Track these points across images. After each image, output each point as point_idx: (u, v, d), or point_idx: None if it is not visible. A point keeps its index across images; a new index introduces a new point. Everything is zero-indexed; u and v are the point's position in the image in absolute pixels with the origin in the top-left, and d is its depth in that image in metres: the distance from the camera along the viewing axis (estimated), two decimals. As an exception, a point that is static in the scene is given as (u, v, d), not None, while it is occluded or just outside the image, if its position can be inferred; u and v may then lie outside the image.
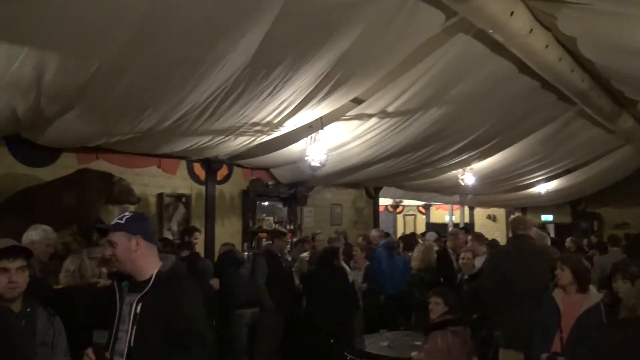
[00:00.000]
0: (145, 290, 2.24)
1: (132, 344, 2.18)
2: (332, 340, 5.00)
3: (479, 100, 5.91)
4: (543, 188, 12.26)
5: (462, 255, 5.48)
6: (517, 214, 16.24)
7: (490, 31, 4.09)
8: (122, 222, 2.32)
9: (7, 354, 1.73)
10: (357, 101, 5.74)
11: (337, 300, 5.41)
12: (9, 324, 1.81)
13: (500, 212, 16.77)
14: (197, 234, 6.20)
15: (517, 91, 5.85)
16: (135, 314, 2.21)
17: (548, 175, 11.29)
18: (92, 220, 5.18)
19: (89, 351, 2.16)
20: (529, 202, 14.39)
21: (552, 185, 12.24)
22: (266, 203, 8.43)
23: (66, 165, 5.58)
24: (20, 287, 2.39)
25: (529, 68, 4.98)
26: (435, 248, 6.60)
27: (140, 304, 2.22)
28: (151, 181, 6.59)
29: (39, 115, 4.24)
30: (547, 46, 4.42)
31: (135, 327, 2.19)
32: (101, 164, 5.86)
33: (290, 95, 4.71)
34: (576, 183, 12.16)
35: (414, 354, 4.24)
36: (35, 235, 3.96)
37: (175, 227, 6.74)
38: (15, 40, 3.12)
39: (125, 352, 2.19)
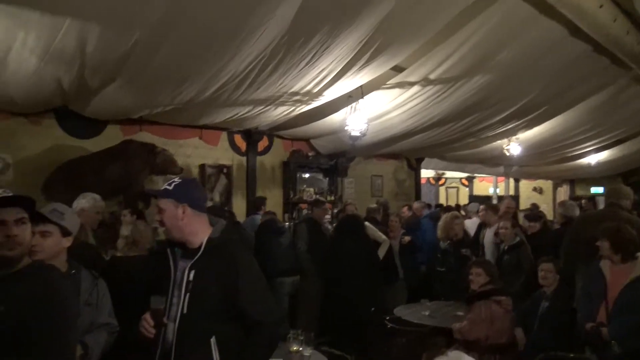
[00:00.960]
0: (197, 257, 2.23)
1: (184, 311, 2.20)
2: (372, 309, 5.01)
3: (526, 67, 5.68)
4: (593, 159, 11.83)
5: (500, 225, 5.35)
6: (565, 186, 15.88)
7: (539, -9, 3.89)
8: (170, 188, 2.27)
9: (54, 309, 1.79)
10: (398, 69, 5.61)
11: (356, 267, 5.38)
12: (57, 282, 1.89)
13: (547, 185, 16.32)
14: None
15: (567, 56, 5.58)
16: (188, 281, 2.21)
17: (599, 146, 10.85)
18: (136, 190, 5.32)
19: (147, 316, 2.20)
20: (578, 174, 13.92)
21: (603, 155, 11.78)
22: (307, 175, 8.45)
23: (111, 136, 5.74)
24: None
25: (581, 30, 4.74)
26: (478, 220, 6.46)
27: (192, 272, 2.22)
28: (193, 152, 6.70)
29: (83, 87, 4.35)
30: (601, 6, 4.18)
31: (188, 295, 2.20)
32: (145, 136, 5.99)
33: (329, 63, 4.64)
34: (628, 154, 11.66)
35: (455, 325, 4.20)
36: (85, 203, 4.12)
37: (217, 198, 6.85)
38: (58, 11, 3.17)
39: (177, 318, 2.21)
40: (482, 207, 6.29)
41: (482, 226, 6.06)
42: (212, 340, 2.17)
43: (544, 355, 3.65)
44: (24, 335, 1.71)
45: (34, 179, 5.03)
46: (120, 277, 3.05)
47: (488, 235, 5.80)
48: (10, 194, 1.80)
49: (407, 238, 6.41)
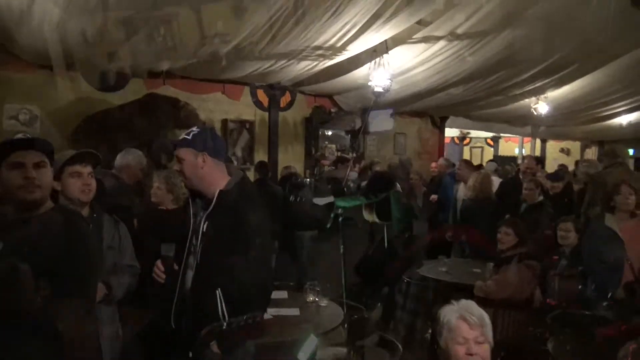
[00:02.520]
0: (210, 209, 2.24)
1: (198, 261, 2.25)
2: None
3: (558, 21, 5.45)
4: (625, 119, 11.48)
5: (524, 185, 5.29)
6: (593, 148, 15.52)
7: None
8: (189, 137, 2.26)
9: (77, 251, 1.85)
10: (424, 23, 5.45)
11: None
12: (79, 225, 1.94)
13: (575, 146, 15.97)
14: None
15: (604, 10, 5.32)
16: (203, 232, 2.24)
17: (631, 106, 10.46)
18: (159, 144, 5.39)
19: (158, 262, 2.28)
20: (609, 135, 13.52)
21: (636, 116, 11.39)
22: (329, 132, 8.41)
23: (135, 90, 5.78)
24: (93, 191, 2.50)
25: (619, -18, 4.51)
26: (499, 180, 6.41)
27: (206, 223, 2.24)
28: (216, 107, 6.73)
29: (106, 39, 4.35)
30: (640, -45, 3.96)
31: (201, 245, 2.24)
32: (168, 90, 6.02)
33: (354, 16, 4.55)
34: (663, 115, 11.25)
35: (479, 282, 4.20)
36: (132, 160, 4.22)
37: (239, 153, 6.90)
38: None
39: (194, 267, 2.27)
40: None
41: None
42: (218, 292, 2.16)
43: (559, 312, 3.66)
44: (47, 276, 1.75)
45: (61, 130, 5.14)
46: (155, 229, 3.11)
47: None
48: (29, 137, 1.83)
49: (434, 197, 6.41)
